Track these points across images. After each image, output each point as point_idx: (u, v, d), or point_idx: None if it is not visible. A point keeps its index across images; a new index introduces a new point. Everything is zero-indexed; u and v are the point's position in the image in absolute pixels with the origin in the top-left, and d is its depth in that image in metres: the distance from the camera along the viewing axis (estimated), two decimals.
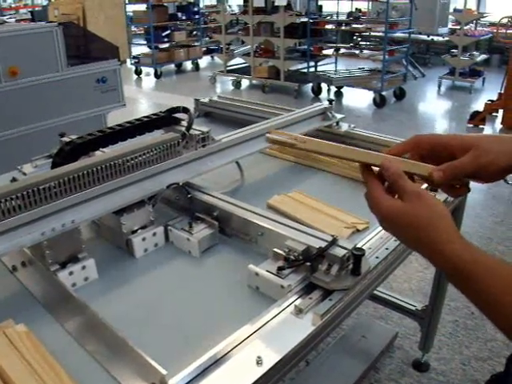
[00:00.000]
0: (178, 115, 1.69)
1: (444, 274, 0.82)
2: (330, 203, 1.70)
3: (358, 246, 1.30)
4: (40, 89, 4.02)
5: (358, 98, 8.37)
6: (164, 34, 11.34)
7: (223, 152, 1.74)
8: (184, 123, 1.66)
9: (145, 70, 11.31)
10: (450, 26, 10.46)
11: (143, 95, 9.66)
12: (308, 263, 1.27)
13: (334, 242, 1.27)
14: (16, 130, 3.92)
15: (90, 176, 1.36)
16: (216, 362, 1.03)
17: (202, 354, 1.03)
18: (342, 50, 9.50)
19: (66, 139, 1.77)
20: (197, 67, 11.71)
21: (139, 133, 1.59)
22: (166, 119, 1.65)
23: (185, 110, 1.68)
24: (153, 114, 1.65)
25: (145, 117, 1.63)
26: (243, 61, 9.86)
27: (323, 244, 1.26)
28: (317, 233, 1.35)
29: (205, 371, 1.01)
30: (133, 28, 12.85)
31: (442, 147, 0.91)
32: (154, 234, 1.50)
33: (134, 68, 11.34)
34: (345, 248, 1.25)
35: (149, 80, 11.01)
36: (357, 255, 1.24)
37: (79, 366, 1.06)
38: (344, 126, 2.25)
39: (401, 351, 2.80)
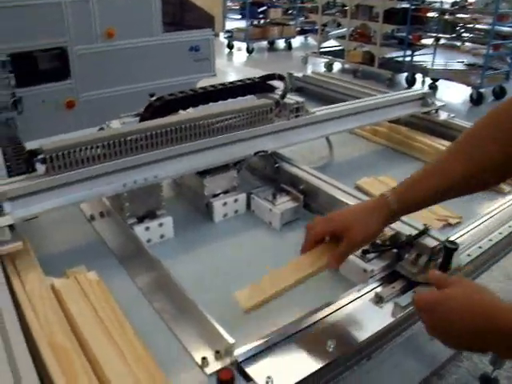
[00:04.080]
0: (272, 83, 1.64)
1: None
2: None
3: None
4: (133, 52, 4.05)
5: (454, 93, 8.01)
6: (259, 11, 11.28)
7: (315, 125, 1.68)
8: (278, 91, 1.61)
9: (237, 44, 11.32)
10: None
11: (233, 69, 9.68)
12: (395, 250, 1.19)
13: (425, 232, 1.18)
14: (107, 90, 3.98)
15: (178, 133, 1.34)
16: (286, 339, 0.98)
17: (270, 329, 0.99)
18: (442, 41, 9.10)
19: None
20: (289, 46, 11.59)
21: (231, 96, 1.55)
22: (260, 85, 1.60)
23: (280, 78, 1.62)
24: (247, 79, 1.60)
25: (238, 81, 1.59)
26: (337, 44, 9.68)
27: (414, 232, 1.18)
28: (408, 219, 1.26)
29: (273, 347, 0.97)
30: (228, 3, 12.84)
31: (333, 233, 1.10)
32: (236, 201, 1.46)
33: (226, 42, 11.36)
34: (437, 239, 1.16)
35: (240, 55, 11.02)
36: (449, 248, 1.14)
37: (144, 322, 1.04)
38: (443, 115, 2.12)
39: (469, 362, 2.64)
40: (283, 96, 1.56)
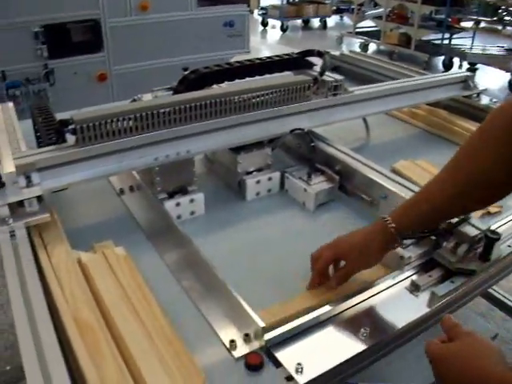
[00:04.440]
0: (311, 59, 1.59)
1: None
2: None
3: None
4: (168, 26, 4.02)
5: (491, 79, 7.82)
6: None
7: (353, 105, 1.63)
8: (316, 68, 1.55)
9: (271, 22, 11.19)
10: None
11: (267, 47, 9.59)
12: (433, 237, 1.15)
13: (466, 220, 1.13)
14: (139, 64, 3.96)
15: (213, 107, 1.30)
16: (318, 325, 0.96)
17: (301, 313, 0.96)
18: (483, 24, 8.84)
19: None
20: (324, 26, 11.42)
21: (268, 71, 1.50)
22: (298, 61, 1.55)
23: (319, 54, 1.57)
24: (285, 54, 1.55)
25: (276, 56, 1.54)
26: (373, 24, 9.49)
27: (454, 219, 1.13)
28: None
29: (304, 332, 0.94)
30: None
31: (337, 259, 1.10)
32: (270, 179, 1.43)
33: (260, 19, 11.24)
34: (478, 228, 1.11)
35: (274, 33, 10.90)
36: (491, 238, 1.10)
37: (171, 300, 1.02)
38: (485, 99, 2.04)
39: None
40: (322, 73, 1.51)
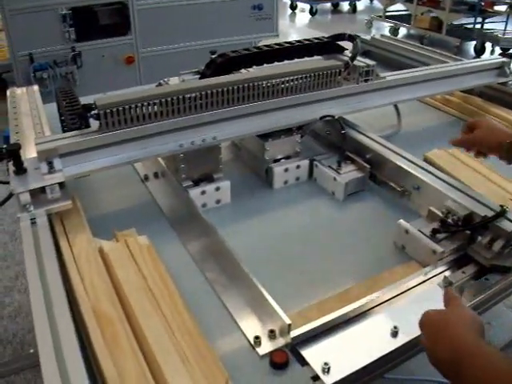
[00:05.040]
0: (342, 43, 1.53)
1: None
2: (495, 170, 1.47)
3: None
4: (195, 9, 3.98)
5: None
6: None
7: (385, 91, 1.58)
8: (347, 53, 1.50)
9: (300, 5, 11.07)
10: None
11: (295, 30, 9.49)
12: (468, 232, 1.10)
13: (502, 214, 1.08)
14: (167, 47, 3.94)
15: (240, 93, 1.27)
16: (346, 322, 0.92)
17: (329, 309, 0.92)
18: None
19: None
20: (354, 9, 11.25)
21: (298, 55, 1.46)
22: (329, 45, 1.50)
23: (351, 38, 1.51)
24: (315, 38, 1.51)
25: (306, 39, 1.50)
26: (404, 8, 9.32)
27: (489, 213, 1.09)
28: (483, 199, 1.17)
29: (331, 329, 0.90)
30: None
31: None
32: (298, 167, 1.39)
33: (289, 2, 11.12)
34: None
35: (303, 16, 10.78)
36: None
37: (194, 292, 1.00)
38: None
39: None
40: (353, 58, 1.46)
